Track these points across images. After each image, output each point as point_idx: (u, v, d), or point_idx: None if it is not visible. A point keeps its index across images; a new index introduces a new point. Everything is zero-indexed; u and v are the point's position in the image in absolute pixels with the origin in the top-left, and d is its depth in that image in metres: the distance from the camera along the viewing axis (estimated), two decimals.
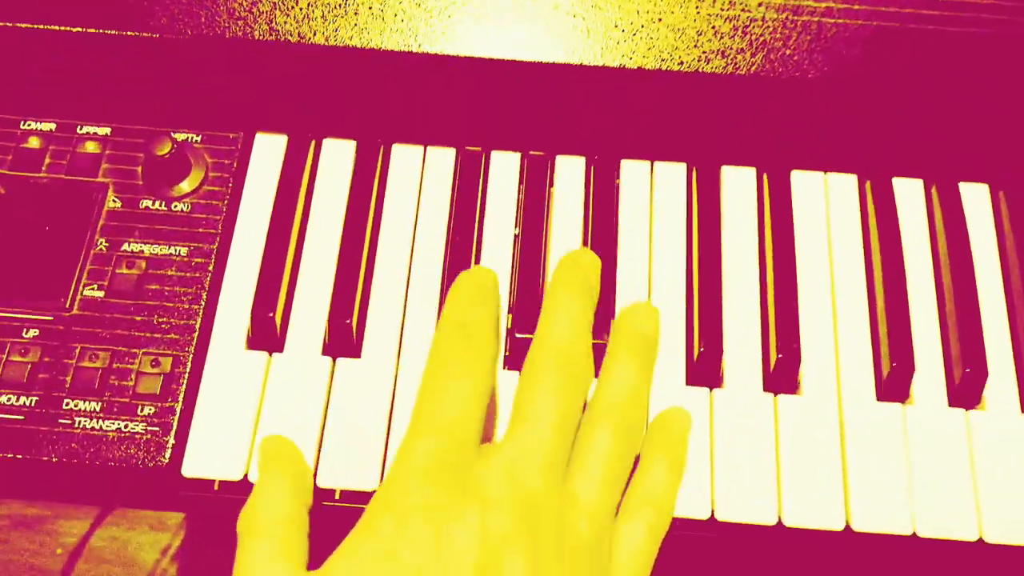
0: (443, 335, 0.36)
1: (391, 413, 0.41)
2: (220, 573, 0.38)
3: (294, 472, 0.38)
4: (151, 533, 1.19)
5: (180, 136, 0.46)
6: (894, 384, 0.42)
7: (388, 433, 0.41)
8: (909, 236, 0.46)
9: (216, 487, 0.40)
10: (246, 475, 0.40)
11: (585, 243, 0.45)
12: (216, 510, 0.41)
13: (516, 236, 0.45)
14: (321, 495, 0.40)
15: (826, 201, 0.46)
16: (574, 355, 0.36)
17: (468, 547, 0.32)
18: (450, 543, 0.32)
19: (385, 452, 0.40)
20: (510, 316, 0.43)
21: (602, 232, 0.45)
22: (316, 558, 0.35)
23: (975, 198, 0.47)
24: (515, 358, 0.43)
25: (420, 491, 0.33)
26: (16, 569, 1.13)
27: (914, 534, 0.40)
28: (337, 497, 0.41)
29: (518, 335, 0.42)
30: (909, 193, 0.47)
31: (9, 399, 0.40)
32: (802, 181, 0.47)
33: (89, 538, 1.15)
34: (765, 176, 0.47)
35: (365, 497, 0.40)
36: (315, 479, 0.40)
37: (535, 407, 0.35)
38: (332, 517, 0.41)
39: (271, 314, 0.41)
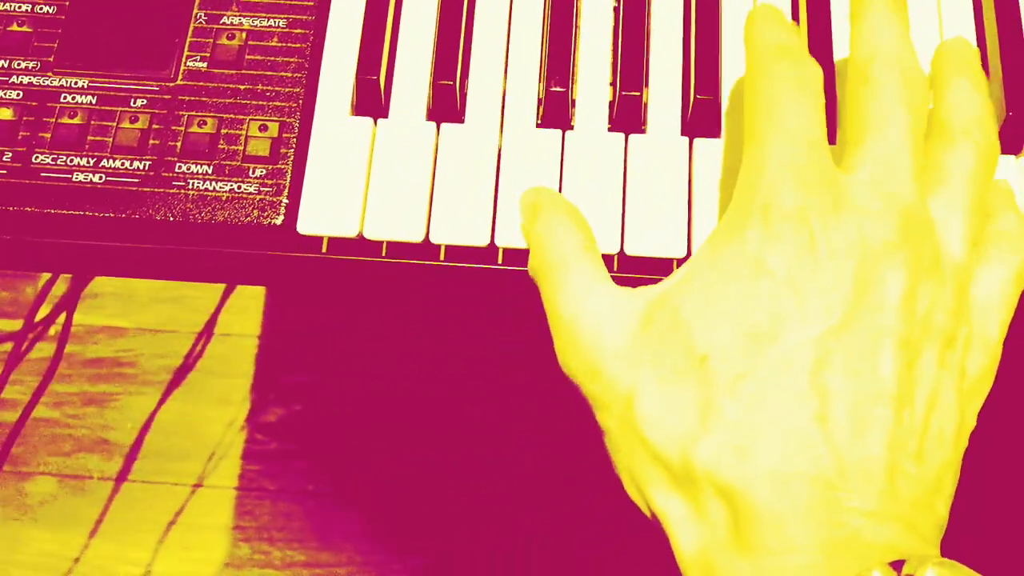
0: (763, 57, 0.34)
1: (496, 176, 0.41)
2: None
3: (572, 210, 0.37)
4: (217, 408, 1.22)
5: None
6: None
7: (495, 195, 0.41)
8: None
9: (324, 247, 0.41)
10: (360, 233, 0.40)
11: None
12: (320, 276, 0.42)
13: (614, 7, 0.44)
14: (427, 251, 0.41)
15: None
16: (910, 64, 0.34)
17: (846, 254, 0.30)
18: (828, 250, 0.30)
19: (494, 213, 0.41)
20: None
21: None
22: None
23: None
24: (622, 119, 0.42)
25: (789, 195, 0.31)
26: (89, 443, 1.16)
27: None
28: (442, 257, 0.41)
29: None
30: None
31: (123, 163, 0.41)
32: None
33: (157, 412, 1.18)
34: None
35: (477, 254, 0.41)
36: (427, 237, 0.40)
37: (885, 119, 0.33)
38: (441, 275, 0.42)
39: (374, 76, 0.41)
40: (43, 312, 1.06)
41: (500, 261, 0.41)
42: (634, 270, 0.41)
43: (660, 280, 0.36)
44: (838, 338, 0.30)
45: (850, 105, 0.34)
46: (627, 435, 0.32)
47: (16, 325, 1.08)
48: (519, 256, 0.41)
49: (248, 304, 1.13)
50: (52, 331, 1.10)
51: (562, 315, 0.34)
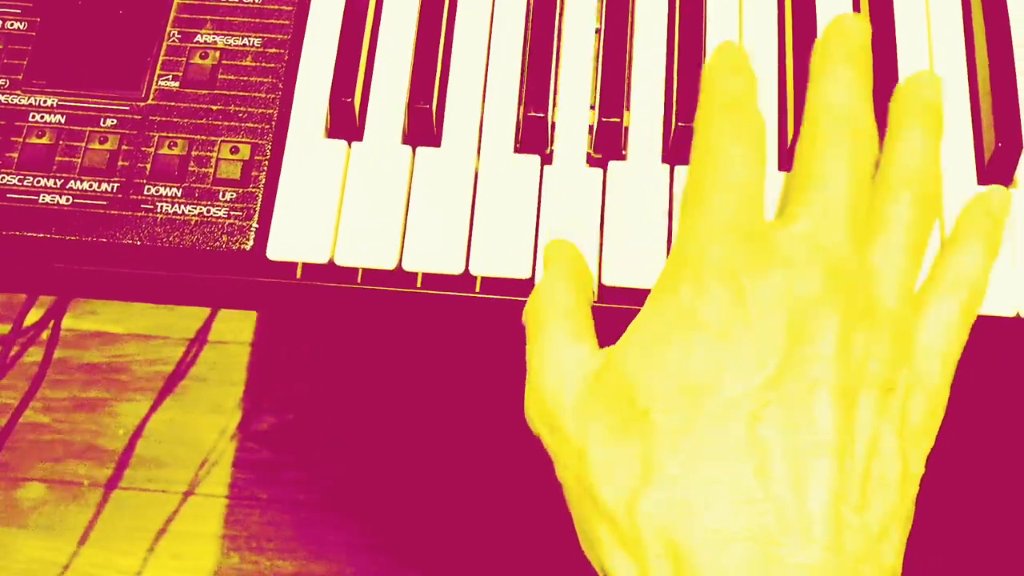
0: (710, 108, 0.35)
1: (473, 202, 0.40)
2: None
3: (576, 269, 0.38)
4: (209, 415, 1.21)
5: None
6: None
7: (471, 221, 0.40)
8: None
9: (299, 274, 0.40)
10: (331, 259, 0.39)
11: None
12: (296, 302, 0.41)
13: (597, 30, 0.43)
14: (402, 279, 0.40)
15: None
16: (861, 121, 0.34)
17: (777, 308, 0.31)
18: (758, 304, 0.31)
19: (469, 240, 0.40)
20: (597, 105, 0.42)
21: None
22: None
23: None
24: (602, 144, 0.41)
25: (718, 252, 0.32)
26: (79, 448, 1.16)
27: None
28: (419, 284, 0.40)
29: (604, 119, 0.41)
30: None
31: (91, 185, 0.40)
32: None
33: (149, 419, 1.17)
34: None
35: (453, 282, 0.40)
36: (400, 264, 0.39)
37: (828, 174, 0.33)
38: (410, 302, 0.41)
39: (349, 99, 0.40)
40: (36, 316, 1.05)
41: (478, 290, 0.40)
42: (613, 300, 0.40)
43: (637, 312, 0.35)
44: (774, 390, 0.30)
45: (799, 157, 0.35)
46: (580, 490, 0.32)
47: (7, 329, 1.07)
48: (497, 285, 0.40)
49: (242, 312, 1.12)
50: (44, 335, 1.10)
51: (533, 368, 0.35)
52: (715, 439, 0.30)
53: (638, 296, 0.39)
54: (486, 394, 1.02)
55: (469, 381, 1.03)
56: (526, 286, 0.40)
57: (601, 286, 0.39)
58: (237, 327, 1.11)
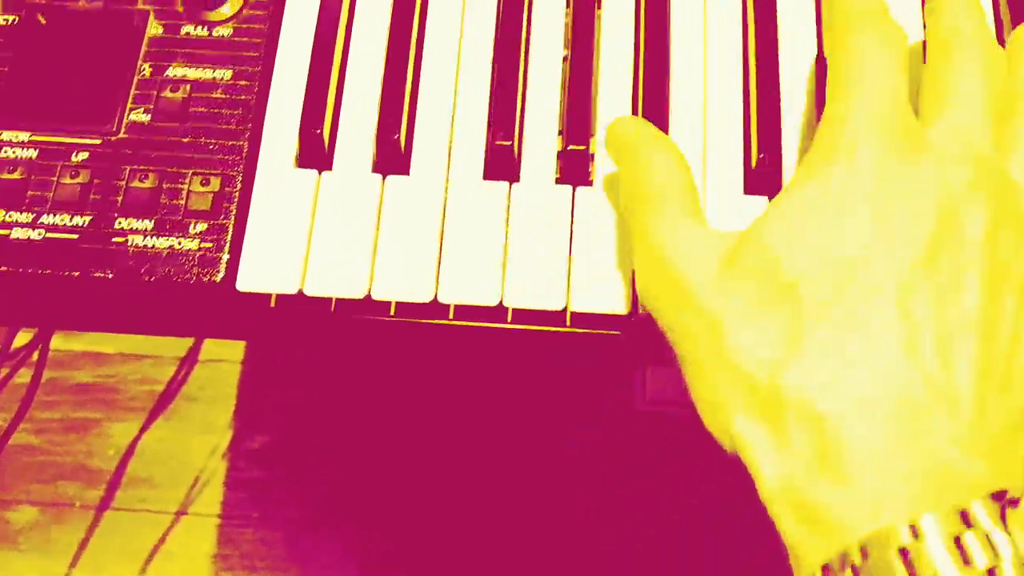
0: (851, 17, 0.35)
1: (442, 230, 0.41)
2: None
3: (668, 143, 0.38)
4: (200, 435, 1.21)
5: None
6: None
7: (440, 248, 0.40)
8: None
9: (272, 303, 0.40)
10: (301, 290, 0.40)
11: None
12: (269, 332, 0.41)
13: (564, 57, 0.44)
14: (376, 308, 0.40)
15: None
16: (991, 45, 0.36)
17: (930, 192, 0.31)
18: (912, 187, 0.32)
19: (438, 268, 0.40)
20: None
21: None
22: None
23: None
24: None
25: (874, 138, 0.32)
26: (70, 469, 1.16)
27: None
28: (392, 312, 0.40)
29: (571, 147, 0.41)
30: None
31: (63, 219, 0.40)
32: None
33: (140, 439, 1.16)
34: None
35: (424, 310, 0.40)
36: (369, 293, 0.40)
37: (964, 87, 0.34)
38: (386, 330, 0.41)
39: (318, 130, 0.41)
40: (24, 338, 1.05)
41: (451, 317, 0.40)
42: (582, 325, 0.40)
43: (612, 334, 0.38)
44: (925, 268, 0.31)
45: (930, 76, 0.36)
46: (712, 363, 0.32)
47: None
48: (469, 312, 0.40)
49: None
50: (35, 356, 1.10)
51: (652, 244, 0.35)
52: (864, 312, 0.30)
53: (609, 321, 0.39)
54: (479, 407, 1.02)
55: (470, 396, 1.03)
56: (496, 313, 0.40)
57: (572, 313, 0.40)
58: (228, 346, 1.12)
